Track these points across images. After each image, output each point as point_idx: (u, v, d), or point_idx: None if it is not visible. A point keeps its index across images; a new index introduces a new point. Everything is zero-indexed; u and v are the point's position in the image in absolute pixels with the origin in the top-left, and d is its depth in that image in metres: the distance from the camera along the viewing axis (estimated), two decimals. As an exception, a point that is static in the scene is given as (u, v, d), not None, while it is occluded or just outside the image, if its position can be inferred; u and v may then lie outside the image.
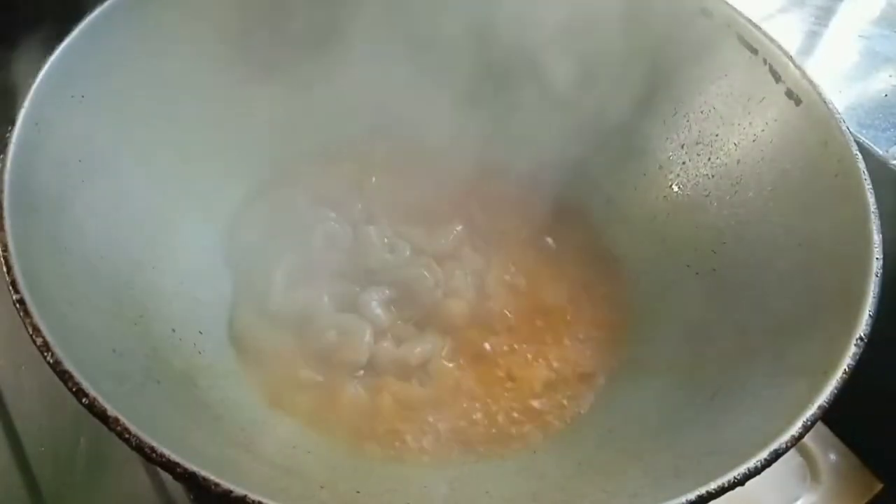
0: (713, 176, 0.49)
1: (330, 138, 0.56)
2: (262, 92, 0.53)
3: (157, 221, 0.46)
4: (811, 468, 0.52)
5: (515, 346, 0.48)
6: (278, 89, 0.54)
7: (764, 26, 0.47)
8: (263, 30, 0.52)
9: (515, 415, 0.45)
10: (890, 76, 0.66)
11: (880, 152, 0.54)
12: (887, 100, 0.63)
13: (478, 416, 0.45)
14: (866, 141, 0.54)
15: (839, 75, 0.66)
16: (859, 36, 0.71)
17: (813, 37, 0.71)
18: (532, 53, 0.55)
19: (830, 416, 0.33)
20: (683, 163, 0.51)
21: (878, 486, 0.52)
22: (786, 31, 0.69)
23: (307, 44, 0.54)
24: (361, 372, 0.46)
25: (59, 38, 0.40)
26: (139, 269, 0.43)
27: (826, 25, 0.72)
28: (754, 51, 0.47)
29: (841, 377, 0.34)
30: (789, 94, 0.45)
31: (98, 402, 0.29)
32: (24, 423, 0.48)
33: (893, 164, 0.54)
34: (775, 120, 0.46)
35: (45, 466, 0.46)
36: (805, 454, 0.52)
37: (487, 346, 0.48)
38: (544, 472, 0.41)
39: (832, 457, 0.53)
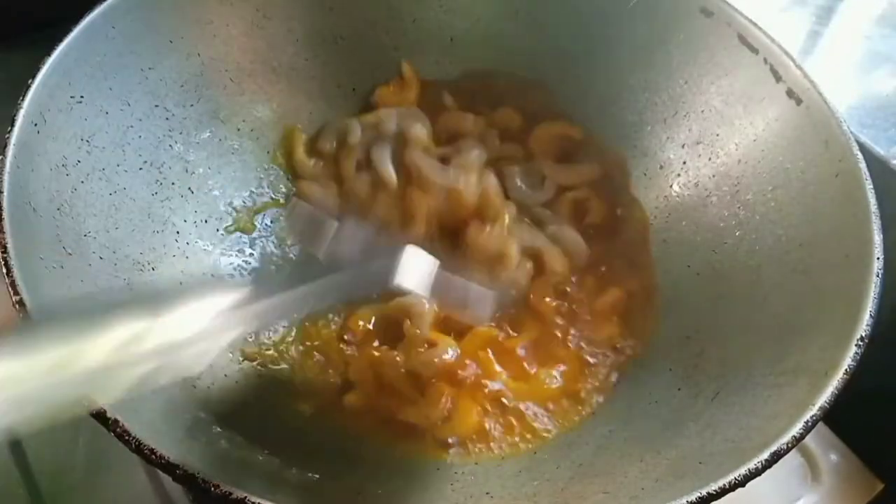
0: (714, 176, 0.49)
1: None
2: (262, 93, 0.53)
3: (157, 221, 0.46)
4: (812, 468, 0.52)
5: (515, 347, 0.48)
6: (279, 89, 0.54)
7: (764, 26, 0.47)
8: (262, 34, 0.52)
9: (517, 415, 0.45)
10: (891, 76, 0.66)
11: (881, 152, 0.54)
12: (888, 100, 0.63)
13: (479, 416, 0.45)
14: (867, 141, 0.54)
15: (840, 75, 0.66)
16: (860, 36, 0.71)
17: (814, 36, 0.71)
18: (533, 54, 0.55)
19: (831, 416, 0.33)
20: (684, 163, 0.51)
21: (879, 487, 0.52)
22: (786, 31, 0.69)
23: (305, 44, 0.54)
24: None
25: (59, 39, 0.40)
26: (139, 269, 0.43)
27: (827, 25, 0.72)
28: (755, 50, 0.47)
29: (842, 377, 0.34)
30: (790, 93, 0.45)
31: (98, 403, 0.29)
32: (24, 423, 0.48)
33: (894, 164, 0.54)
34: (776, 120, 0.46)
35: (45, 466, 0.46)
36: (806, 454, 0.52)
37: (488, 347, 0.48)
38: (544, 473, 0.41)
39: (833, 457, 0.53)
